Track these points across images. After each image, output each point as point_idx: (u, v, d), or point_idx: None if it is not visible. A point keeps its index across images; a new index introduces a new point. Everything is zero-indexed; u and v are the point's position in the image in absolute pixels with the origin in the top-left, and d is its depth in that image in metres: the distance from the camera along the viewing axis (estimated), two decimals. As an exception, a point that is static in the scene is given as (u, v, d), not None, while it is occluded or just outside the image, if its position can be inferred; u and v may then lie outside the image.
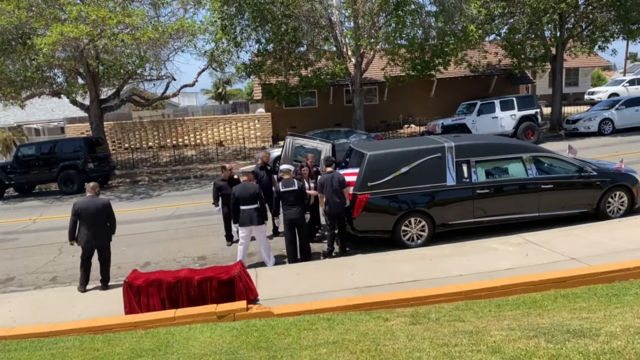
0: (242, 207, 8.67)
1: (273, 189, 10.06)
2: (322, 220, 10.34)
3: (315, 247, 9.75)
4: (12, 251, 11.50)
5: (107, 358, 5.33)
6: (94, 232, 8.01)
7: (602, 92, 30.40)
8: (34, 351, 5.80)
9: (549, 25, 23.38)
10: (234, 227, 9.32)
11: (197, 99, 55.84)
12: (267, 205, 9.41)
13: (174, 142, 27.41)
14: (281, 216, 9.53)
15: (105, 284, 8.23)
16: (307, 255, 9.01)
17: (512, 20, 23.72)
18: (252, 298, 7.05)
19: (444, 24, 21.42)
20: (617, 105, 22.12)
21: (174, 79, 23.40)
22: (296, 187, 8.77)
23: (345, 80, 23.75)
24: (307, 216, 9.24)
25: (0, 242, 12.46)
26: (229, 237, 10.55)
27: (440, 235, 9.30)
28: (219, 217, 12.83)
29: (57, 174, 18.87)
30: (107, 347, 5.72)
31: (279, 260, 9.16)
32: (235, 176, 10.64)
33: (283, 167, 9.46)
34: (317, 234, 10.48)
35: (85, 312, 7.25)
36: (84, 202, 8.11)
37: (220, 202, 10.27)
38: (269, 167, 10.89)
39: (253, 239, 9.11)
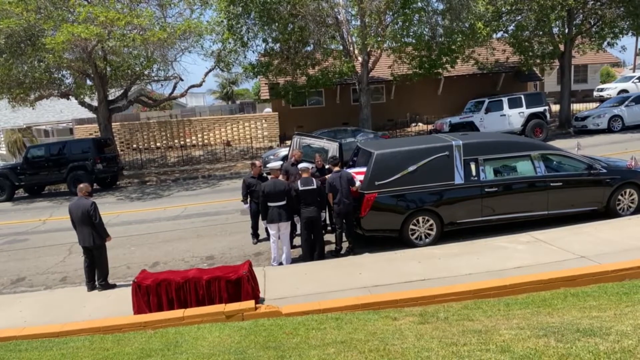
0: (270, 204, 8.71)
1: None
2: (327, 219, 10.37)
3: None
4: (23, 252, 11.59)
5: (116, 358, 5.36)
6: (82, 232, 8.18)
7: (611, 89, 30.10)
8: (44, 351, 5.84)
9: (557, 22, 23.21)
10: (262, 223, 9.37)
11: (205, 99, 56.06)
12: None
13: (182, 143, 27.51)
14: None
15: (99, 284, 8.29)
16: (321, 254, 9.02)
17: (519, 17, 23.58)
18: (259, 298, 7.08)
19: (451, 22, 21.34)
20: (626, 102, 21.92)
21: (182, 80, 23.48)
22: (315, 186, 8.79)
23: (352, 79, 23.73)
24: (324, 215, 9.24)
25: (11, 242, 12.57)
26: (256, 235, 10.57)
27: (449, 234, 9.27)
28: (226, 217, 12.95)
29: (66, 174, 19.00)
30: (117, 347, 5.75)
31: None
32: (264, 174, 10.66)
33: (301, 165, 9.48)
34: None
35: (95, 312, 7.30)
36: (73, 204, 8.31)
37: (248, 199, 10.31)
38: None
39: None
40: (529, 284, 6.67)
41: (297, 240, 9.69)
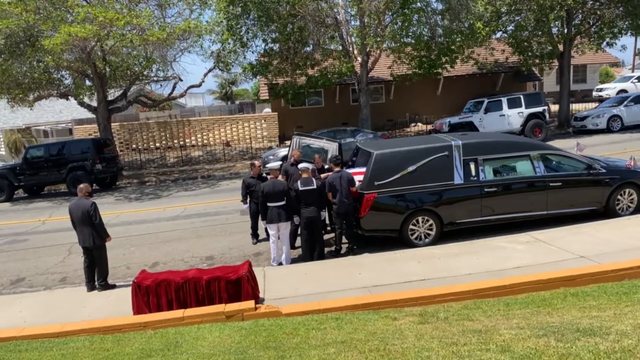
0: (270, 204, 8.71)
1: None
2: (327, 219, 10.36)
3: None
4: (22, 252, 11.59)
5: (116, 358, 5.36)
6: (82, 232, 8.16)
7: (610, 89, 30.15)
8: (44, 351, 5.84)
9: (556, 22, 23.23)
10: (261, 223, 9.38)
11: (204, 100, 56.05)
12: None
13: (181, 143, 27.51)
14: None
15: (99, 284, 8.28)
16: (321, 254, 9.02)
17: (518, 17, 23.60)
18: (259, 299, 7.08)
19: (450, 22, 21.36)
20: (625, 102, 21.93)
21: (181, 80, 23.49)
22: (315, 187, 8.79)
23: (351, 79, 23.74)
24: (323, 214, 9.24)
25: (11, 243, 12.56)
26: (256, 235, 10.58)
27: (448, 234, 9.28)
28: (226, 217, 12.95)
29: (66, 175, 19.00)
30: (117, 347, 5.75)
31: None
32: (264, 174, 10.67)
33: (302, 165, 9.48)
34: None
35: (95, 312, 7.30)
36: (73, 204, 8.29)
37: (248, 200, 10.32)
38: None
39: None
40: (528, 284, 6.68)
41: (297, 241, 9.70)
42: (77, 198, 8.35)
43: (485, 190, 9.16)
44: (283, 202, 8.69)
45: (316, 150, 11.16)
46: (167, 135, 27.93)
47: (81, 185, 8.44)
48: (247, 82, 46.03)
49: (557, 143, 17.97)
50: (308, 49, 23.13)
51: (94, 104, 22.15)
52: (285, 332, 5.69)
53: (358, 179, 9.24)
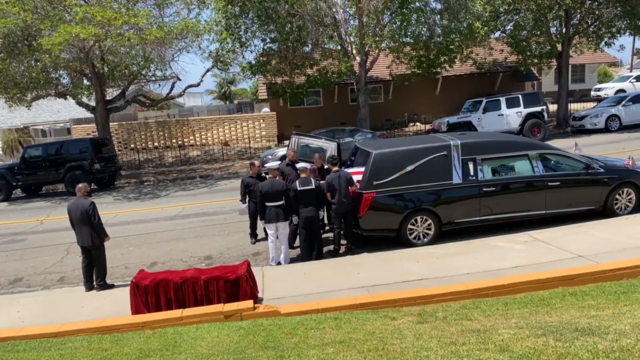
0: (268, 204, 8.70)
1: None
2: (326, 219, 10.36)
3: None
4: (20, 252, 11.56)
5: (115, 358, 5.35)
6: (81, 232, 8.15)
7: (608, 89, 30.21)
8: (42, 351, 5.83)
9: (555, 22, 23.27)
10: (260, 223, 9.38)
11: (202, 99, 56.06)
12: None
13: (180, 143, 27.48)
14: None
15: (98, 284, 8.27)
16: (320, 254, 9.01)
17: (517, 17, 23.64)
18: (258, 298, 7.07)
19: (449, 22, 21.38)
20: (624, 102, 21.97)
21: (179, 79, 23.50)
22: (313, 186, 8.79)
23: (350, 78, 23.73)
24: (322, 213, 9.22)
25: (9, 242, 12.54)
26: (254, 235, 10.57)
27: (447, 233, 9.28)
28: (224, 217, 12.94)
29: (64, 174, 18.96)
30: (115, 347, 5.74)
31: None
32: (263, 173, 10.66)
33: (300, 165, 9.46)
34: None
35: (93, 312, 7.28)
36: (72, 203, 8.28)
37: (247, 199, 10.32)
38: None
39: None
40: (527, 284, 6.68)
41: (296, 241, 9.69)
42: (75, 198, 8.33)
43: (484, 189, 9.16)
44: (281, 202, 8.68)
45: (315, 150, 11.15)
46: (166, 135, 27.91)
47: (80, 185, 8.42)
48: (245, 82, 46.09)
49: (556, 143, 18.00)
50: (307, 48, 23.12)
51: (92, 103, 22.13)
52: (284, 331, 5.69)
53: (357, 178, 9.24)
